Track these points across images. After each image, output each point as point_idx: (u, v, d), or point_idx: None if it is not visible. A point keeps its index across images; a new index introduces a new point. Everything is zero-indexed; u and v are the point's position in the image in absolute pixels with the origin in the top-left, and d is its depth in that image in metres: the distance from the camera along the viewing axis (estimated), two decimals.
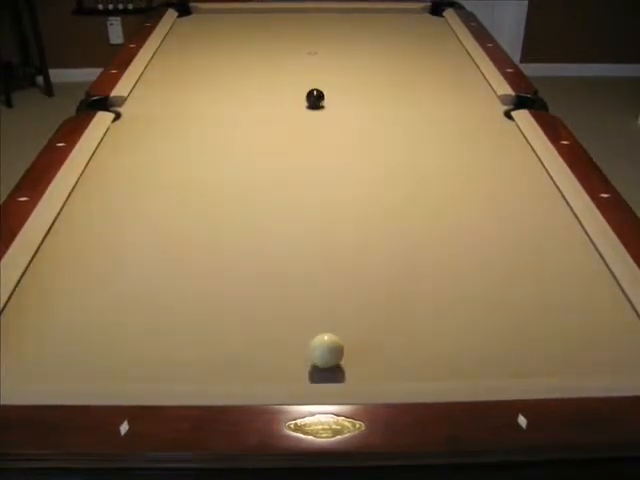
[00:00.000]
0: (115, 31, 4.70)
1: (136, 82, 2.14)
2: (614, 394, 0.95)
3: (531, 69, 3.54)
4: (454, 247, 1.33)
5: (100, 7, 4.66)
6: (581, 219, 1.42)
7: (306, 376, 1.01)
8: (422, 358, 1.06)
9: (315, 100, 1.94)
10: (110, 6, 4.65)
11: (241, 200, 1.49)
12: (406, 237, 1.36)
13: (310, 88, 1.99)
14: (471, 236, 1.37)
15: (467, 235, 1.37)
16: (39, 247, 1.31)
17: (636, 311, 1.15)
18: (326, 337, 1.02)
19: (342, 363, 1.03)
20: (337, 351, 1.01)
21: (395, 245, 1.33)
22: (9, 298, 1.17)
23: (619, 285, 1.21)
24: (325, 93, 1.97)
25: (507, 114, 1.96)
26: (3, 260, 1.24)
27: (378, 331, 1.12)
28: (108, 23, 4.70)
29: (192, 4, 2.96)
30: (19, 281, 1.21)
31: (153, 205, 1.47)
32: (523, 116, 1.91)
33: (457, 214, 1.45)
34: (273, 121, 1.87)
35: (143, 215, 1.44)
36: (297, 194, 1.52)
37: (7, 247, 1.28)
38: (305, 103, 1.96)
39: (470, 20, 2.81)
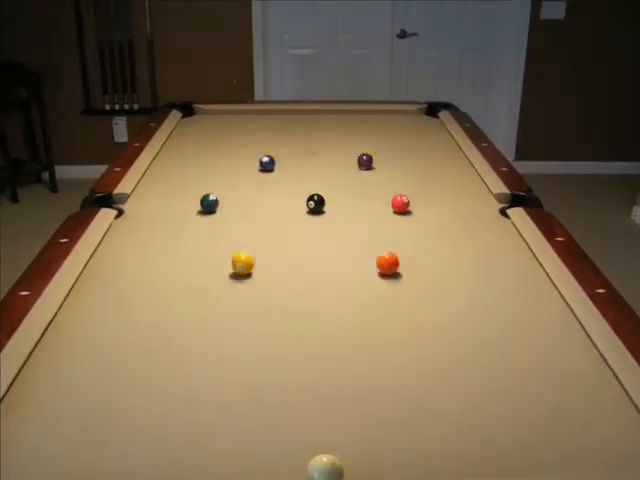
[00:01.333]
0: (120, 130, 4.82)
1: (139, 180, 2.17)
2: None
3: (525, 167, 3.58)
4: (454, 359, 1.31)
5: (107, 107, 4.78)
6: (578, 316, 1.42)
7: None
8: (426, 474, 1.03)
9: (316, 205, 1.93)
10: (117, 106, 4.79)
11: (237, 312, 1.47)
12: (409, 362, 1.31)
13: (309, 190, 1.98)
14: (470, 340, 1.36)
15: (467, 339, 1.37)
16: (38, 342, 1.30)
17: (638, 411, 1.13)
18: (325, 459, 0.98)
19: None
20: (337, 474, 0.98)
21: (398, 367, 1.29)
22: (6, 392, 1.16)
23: (620, 383, 1.20)
24: (325, 195, 1.95)
25: (503, 212, 1.98)
26: (2, 353, 1.23)
27: (378, 453, 1.07)
28: (114, 122, 4.82)
29: (196, 105, 3.02)
30: (17, 374, 1.20)
31: (151, 304, 1.48)
32: (518, 214, 1.93)
33: (457, 321, 1.44)
34: (274, 231, 1.86)
35: (141, 315, 1.43)
36: (298, 308, 1.50)
37: (7, 340, 1.27)
38: (305, 207, 1.96)
39: (465, 121, 2.87)
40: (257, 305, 1.48)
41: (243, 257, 1.55)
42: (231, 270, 1.59)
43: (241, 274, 1.55)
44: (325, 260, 1.69)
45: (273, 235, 1.82)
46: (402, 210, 1.94)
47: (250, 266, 1.56)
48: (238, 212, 1.96)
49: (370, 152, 2.30)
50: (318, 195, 1.95)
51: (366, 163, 2.31)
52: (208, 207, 1.92)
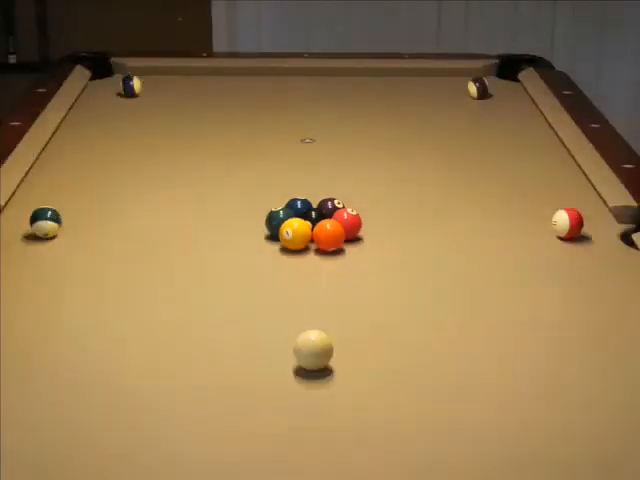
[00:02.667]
0: None
1: (17, 187, 2.14)
2: None
3: None
4: None
5: None
6: None
7: None
8: None
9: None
10: None
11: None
12: None
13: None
14: None
15: None
16: None
17: None
18: (314, 337, 1.42)
19: None
20: (325, 355, 1.41)
21: None
22: None
23: None
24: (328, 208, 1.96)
25: (625, 238, 1.95)
26: None
27: None
28: None
29: (114, 60, 3.03)
30: None
31: None
32: None
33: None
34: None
35: None
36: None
37: None
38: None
39: (562, 86, 2.88)
40: None
41: (296, 224, 1.85)
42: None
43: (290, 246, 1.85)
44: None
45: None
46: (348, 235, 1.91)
47: (303, 238, 1.86)
48: (175, 263, 1.91)
49: (337, 201, 1.99)
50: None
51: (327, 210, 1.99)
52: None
